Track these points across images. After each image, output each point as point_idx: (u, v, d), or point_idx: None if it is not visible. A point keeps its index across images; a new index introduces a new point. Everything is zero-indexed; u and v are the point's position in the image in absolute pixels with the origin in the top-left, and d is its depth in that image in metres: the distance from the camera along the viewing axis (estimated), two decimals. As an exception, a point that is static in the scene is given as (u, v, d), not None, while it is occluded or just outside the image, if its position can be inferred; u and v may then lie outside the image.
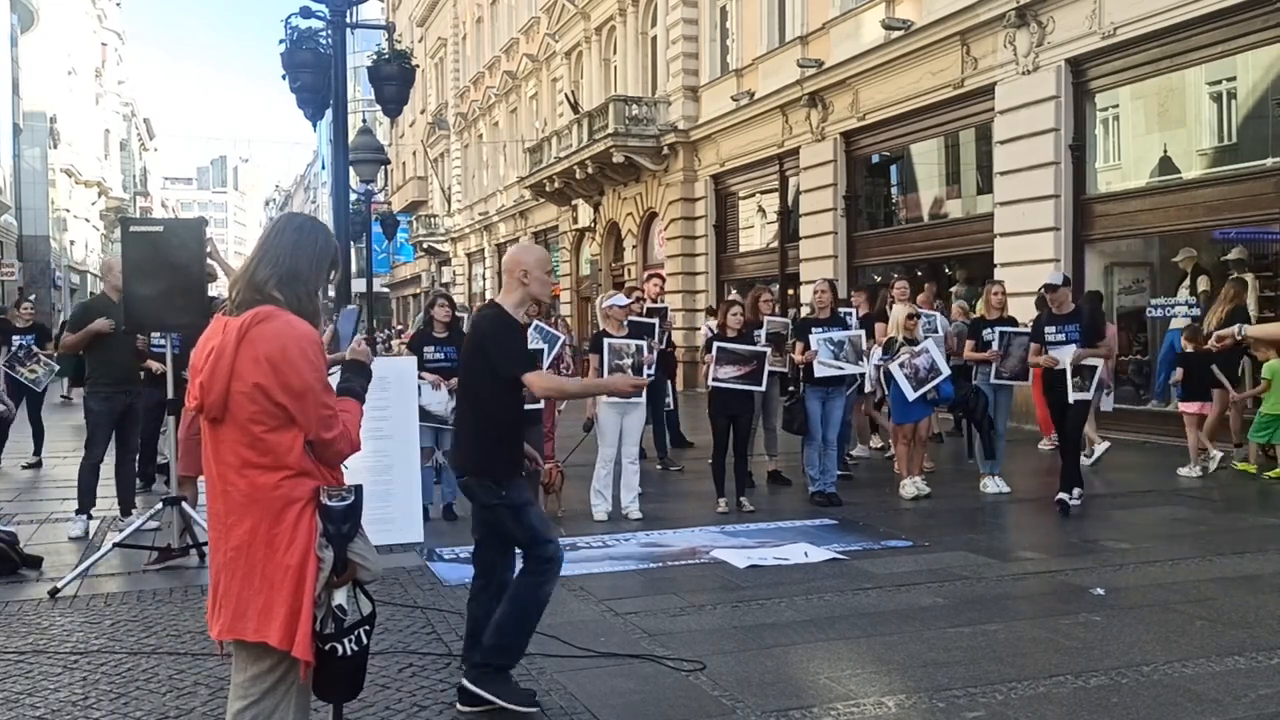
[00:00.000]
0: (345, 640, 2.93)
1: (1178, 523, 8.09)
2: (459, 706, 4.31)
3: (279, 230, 3.08)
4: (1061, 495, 8.42)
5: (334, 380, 3.10)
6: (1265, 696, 4.35)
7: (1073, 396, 8.43)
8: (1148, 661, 4.81)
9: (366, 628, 3.00)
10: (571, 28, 30.59)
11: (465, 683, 4.30)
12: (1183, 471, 10.19)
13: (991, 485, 9.44)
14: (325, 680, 2.96)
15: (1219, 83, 12.83)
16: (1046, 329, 8.68)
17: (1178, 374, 10.58)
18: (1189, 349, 10.50)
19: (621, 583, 6.57)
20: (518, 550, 4.46)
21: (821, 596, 6.11)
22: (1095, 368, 8.48)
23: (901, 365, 9.10)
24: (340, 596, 2.95)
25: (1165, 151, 13.53)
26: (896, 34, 16.70)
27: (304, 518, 2.86)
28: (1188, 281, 13.02)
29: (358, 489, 2.95)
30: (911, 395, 9.06)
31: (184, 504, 6.86)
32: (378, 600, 5.88)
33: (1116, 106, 14.11)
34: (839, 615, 5.73)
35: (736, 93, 21.93)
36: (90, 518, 8.01)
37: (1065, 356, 8.45)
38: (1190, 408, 10.43)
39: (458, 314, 9.32)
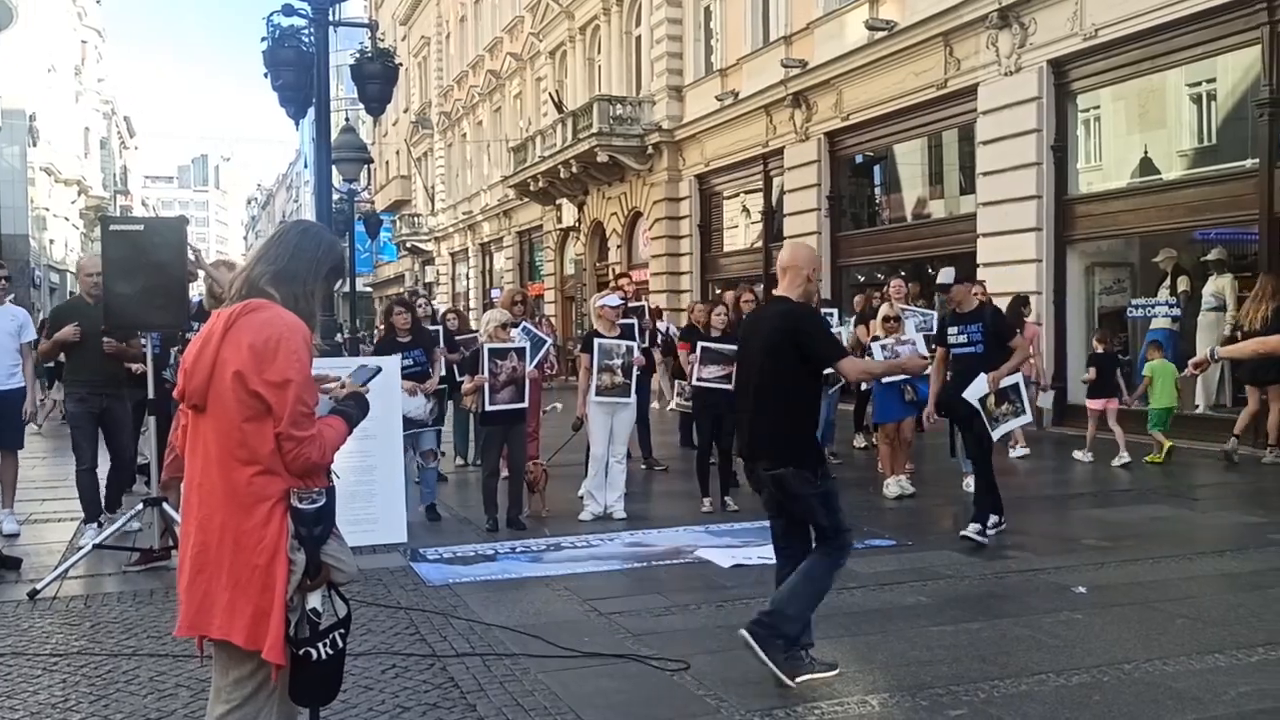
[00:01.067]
0: (320, 644, 2.90)
1: (1158, 521, 8.14)
2: (744, 634, 4.52)
3: (284, 231, 3.09)
4: (969, 531, 7.30)
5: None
6: (1245, 694, 4.38)
7: (997, 432, 7.62)
8: (1129, 659, 4.84)
9: (342, 631, 2.97)
10: (555, 27, 30.56)
11: (746, 634, 4.52)
12: (1115, 462, 10.67)
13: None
14: (300, 685, 2.93)
15: (1199, 84, 12.91)
16: (949, 330, 7.96)
17: (1090, 373, 11.19)
18: (1099, 349, 11.17)
19: (606, 582, 6.57)
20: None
21: (805, 596, 6.11)
22: (1017, 385, 7.63)
23: (884, 348, 9.16)
24: (315, 600, 2.92)
25: (1146, 152, 13.61)
26: (880, 34, 16.75)
27: (274, 517, 2.81)
28: (1168, 282, 13.11)
29: (329, 490, 2.91)
30: (886, 380, 9.14)
31: (165, 505, 6.82)
32: (361, 601, 5.90)
33: (1098, 107, 14.18)
34: (822, 614, 5.70)
35: (721, 92, 21.94)
36: (101, 525, 7.65)
37: (976, 392, 7.47)
38: (1096, 404, 11.15)
39: (420, 317, 9.30)
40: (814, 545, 4.68)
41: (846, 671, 4.79)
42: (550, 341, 10.52)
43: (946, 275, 8.19)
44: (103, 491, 7.95)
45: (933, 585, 6.28)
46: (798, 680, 4.50)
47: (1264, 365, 10.12)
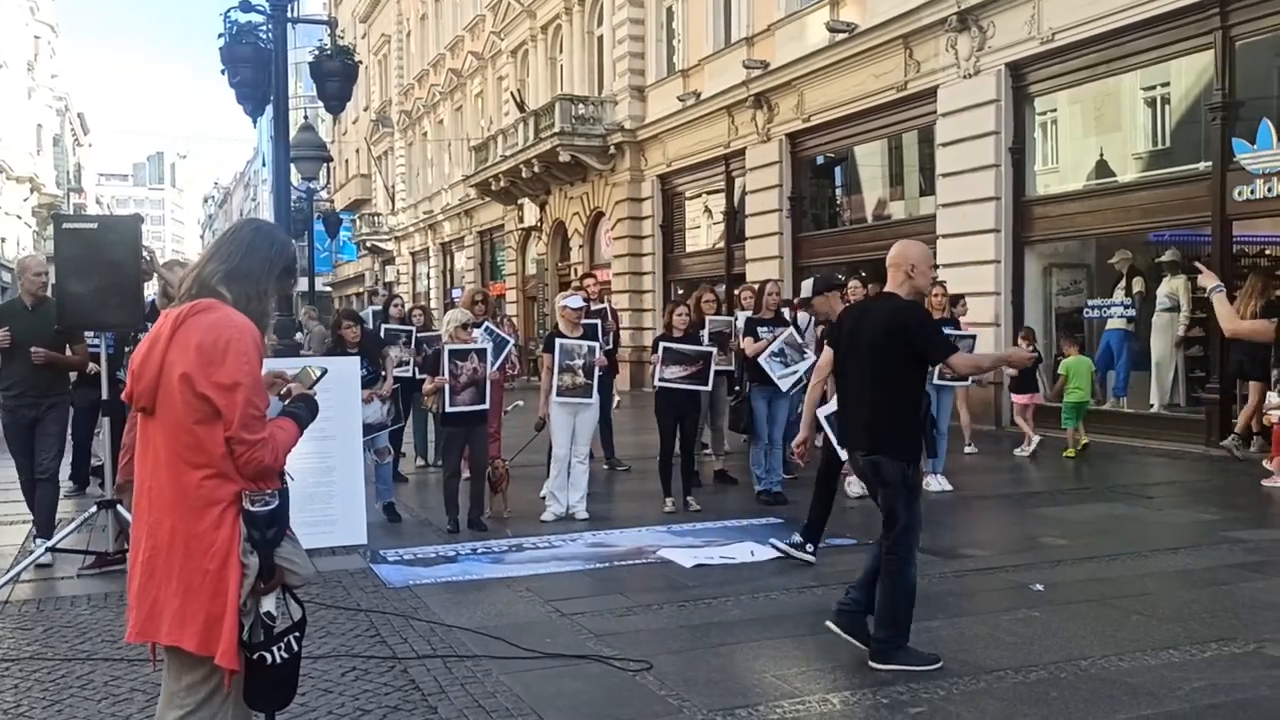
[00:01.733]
0: (275, 648, 2.87)
1: (1114, 519, 8.24)
2: (874, 664, 4.72)
3: (236, 229, 3.04)
4: (787, 545, 7.01)
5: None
6: (1199, 689, 4.44)
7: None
8: (1085, 656, 4.89)
9: (297, 634, 2.93)
10: (517, 26, 30.47)
11: (875, 665, 4.72)
12: (1017, 452, 11.60)
13: (934, 484, 9.54)
14: (256, 689, 2.89)
15: (1153, 88, 13.10)
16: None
17: (1013, 370, 11.75)
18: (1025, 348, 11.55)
19: (568, 583, 6.55)
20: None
21: (767, 595, 6.14)
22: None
23: None
24: (269, 603, 2.88)
25: (1102, 155, 13.78)
26: (841, 36, 16.84)
27: (225, 521, 2.77)
28: (1123, 283, 13.30)
29: (283, 493, 2.88)
30: None
31: (119, 507, 6.71)
32: (320, 603, 5.85)
33: (1055, 110, 14.35)
34: (785, 614, 5.76)
35: (683, 93, 21.98)
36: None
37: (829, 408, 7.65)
38: (1021, 399, 11.98)
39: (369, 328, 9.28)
40: (877, 550, 4.93)
41: (808, 670, 4.81)
42: (512, 342, 10.48)
43: (807, 289, 8.22)
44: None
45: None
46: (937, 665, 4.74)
47: (1251, 361, 10.27)
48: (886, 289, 5.00)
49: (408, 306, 11.99)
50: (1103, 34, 12.68)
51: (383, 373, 8.75)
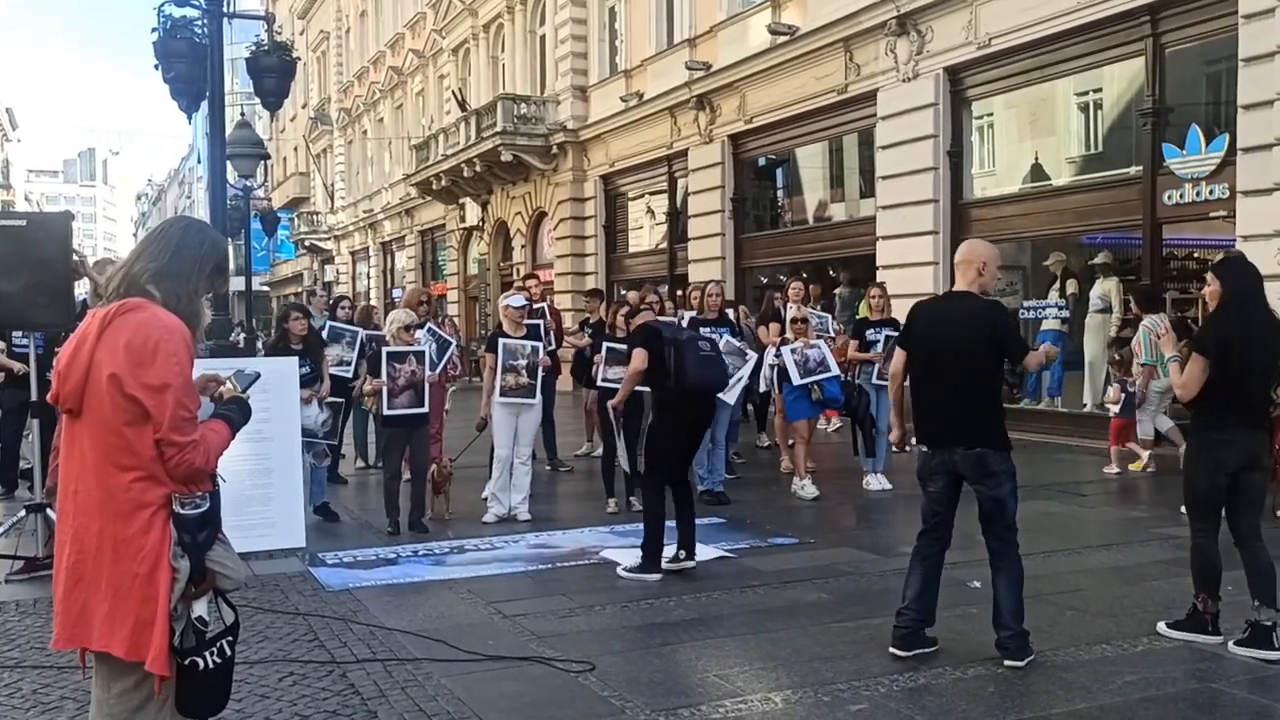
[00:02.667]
0: (207, 653, 2.81)
1: (1049, 517, 8.38)
2: (1016, 664, 4.75)
3: (165, 227, 2.98)
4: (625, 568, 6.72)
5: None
6: (1130, 683, 4.54)
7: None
8: (1022, 651, 4.96)
9: (230, 639, 2.88)
10: (459, 24, 30.27)
11: (1017, 664, 4.74)
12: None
13: (874, 482, 9.65)
14: (188, 695, 2.84)
15: (1086, 94, 13.35)
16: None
17: None
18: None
19: (510, 585, 6.52)
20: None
21: (710, 595, 6.16)
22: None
23: (794, 351, 9.29)
24: (200, 608, 2.82)
25: (1037, 159, 14.02)
26: (782, 39, 16.95)
27: (155, 524, 2.72)
28: (1057, 284, 13.55)
29: (214, 495, 2.83)
30: (796, 380, 9.25)
31: (49, 511, 6.55)
32: (257, 607, 5.77)
33: (991, 114, 14.57)
34: (727, 613, 5.79)
35: (625, 93, 21.98)
36: None
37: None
38: None
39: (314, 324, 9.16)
40: (995, 547, 4.96)
41: (750, 669, 4.84)
42: (455, 344, 10.42)
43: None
44: None
45: (834, 582, 6.38)
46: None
47: None
48: (958, 288, 5.12)
49: (361, 304, 11.85)
50: (1038, 40, 12.90)
51: (321, 373, 8.66)
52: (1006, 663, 4.78)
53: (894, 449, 5.48)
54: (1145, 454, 10.17)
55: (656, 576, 6.52)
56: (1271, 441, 5.02)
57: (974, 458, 4.91)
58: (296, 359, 8.20)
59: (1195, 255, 13.16)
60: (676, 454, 6.86)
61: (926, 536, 5.11)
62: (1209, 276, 5.12)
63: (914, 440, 5.24)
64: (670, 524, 6.71)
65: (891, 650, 4.94)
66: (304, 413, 8.23)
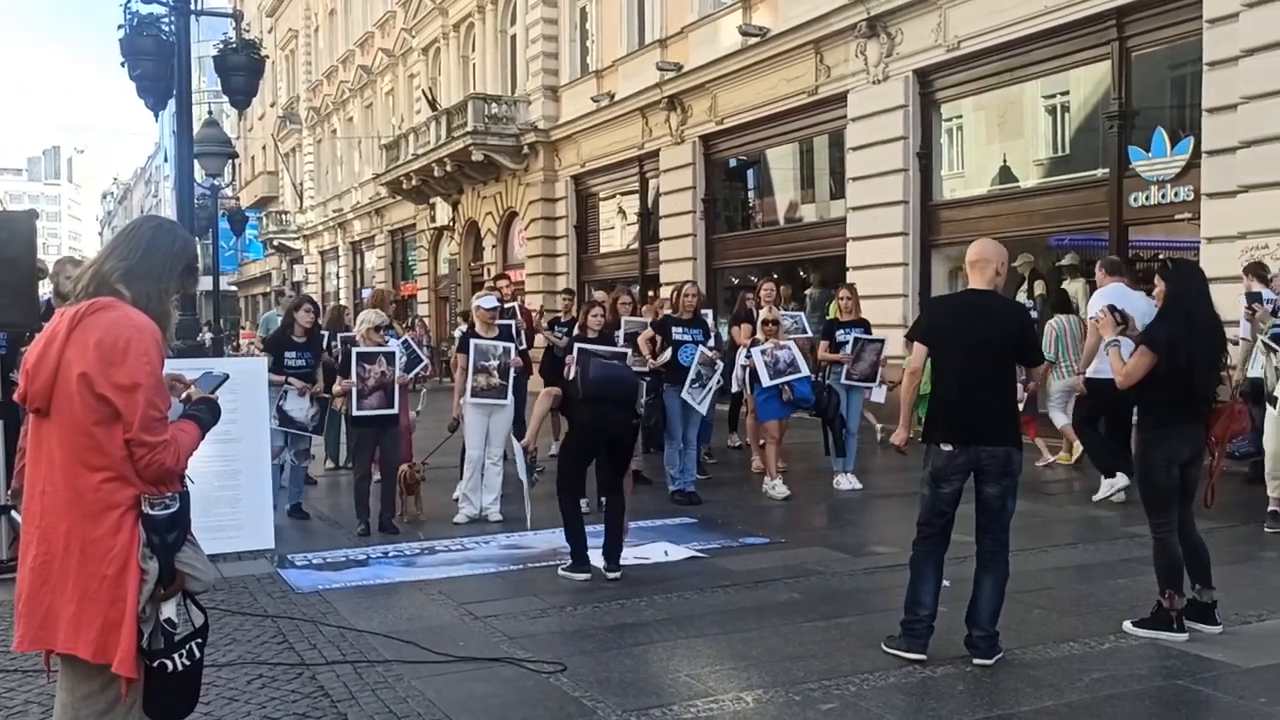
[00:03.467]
0: (176, 655, 2.78)
1: (1017, 516, 8.38)
2: (986, 662, 4.81)
3: (135, 226, 2.95)
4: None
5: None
6: (1097, 680, 4.58)
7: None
8: (991, 650, 5.00)
9: (199, 640, 2.86)
10: (429, 24, 30.14)
11: (986, 662, 4.80)
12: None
13: (845, 482, 9.69)
14: (156, 698, 2.80)
15: (1054, 96, 13.48)
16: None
17: None
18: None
19: (481, 586, 6.50)
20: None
21: (681, 595, 6.17)
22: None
23: (764, 352, 9.32)
24: (169, 609, 2.79)
25: (1005, 161, 14.14)
26: (753, 40, 17.00)
27: (124, 525, 2.69)
28: (1025, 285, 13.66)
29: (184, 495, 2.80)
30: (766, 382, 9.28)
31: (14, 513, 6.46)
32: (225, 610, 5.72)
33: (960, 117, 14.68)
34: (698, 613, 5.79)
35: (597, 94, 21.97)
36: None
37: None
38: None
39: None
40: (991, 548, 5.05)
41: (722, 669, 4.85)
42: (425, 362, 10.49)
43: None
44: None
45: (805, 582, 6.41)
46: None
47: None
48: (978, 286, 5.07)
49: (331, 305, 11.83)
50: (1006, 43, 13.01)
51: (315, 372, 8.66)
52: (975, 661, 4.82)
53: (900, 451, 5.43)
54: (1077, 445, 10.30)
55: (584, 576, 6.51)
56: (1207, 435, 5.22)
57: (1003, 456, 4.93)
58: (265, 360, 8.17)
59: (1161, 256, 13.30)
60: (572, 471, 6.77)
61: (934, 539, 5.07)
62: (1156, 279, 5.38)
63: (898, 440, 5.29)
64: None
65: (916, 656, 4.85)
66: (296, 405, 8.22)
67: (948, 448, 4.93)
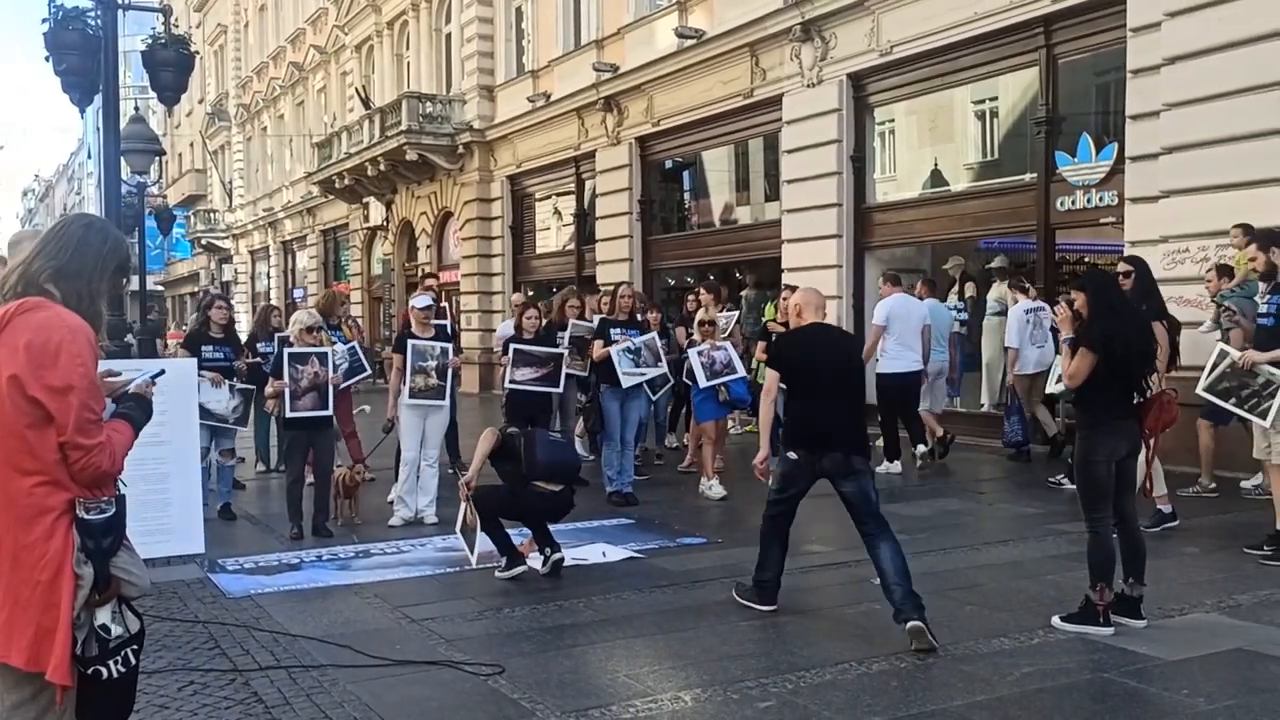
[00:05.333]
0: (111, 662, 2.71)
1: (948, 514, 8.59)
2: (913, 624, 5.05)
3: (64, 225, 2.87)
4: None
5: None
6: (1028, 674, 4.68)
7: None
8: (924, 646, 5.08)
9: (135, 647, 2.79)
10: (362, 21, 29.81)
11: (919, 623, 5.03)
12: None
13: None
14: (90, 706, 2.74)
15: (984, 102, 13.73)
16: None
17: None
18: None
19: (417, 588, 6.45)
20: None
21: (619, 595, 6.18)
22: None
23: (700, 354, 9.36)
24: (104, 615, 2.72)
25: (936, 165, 14.36)
26: (689, 43, 17.07)
27: (57, 530, 2.62)
28: (956, 287, 13.90)
29: (120, 499, 2.74)
30: (703, 383, 9.32)
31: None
32: (155, 616, 5.61)
33: (893, 121, 14.88)
34: (636, 613, 5.81)
35: (533, 94, 21.91)
36: None
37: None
38: None
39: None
40: (873, 528, 5.42)
41: (660, 668, 4.86)
42: (368, 371, 10.41)
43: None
44: None
45: (742, 581, 6.43)
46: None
47: None
48: (814, 320, 5.81)
49: (261, 305, 11.72)
50: (937, 49, 13.21)
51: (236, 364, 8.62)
52: (910, 624, 4.98)
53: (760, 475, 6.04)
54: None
55: (522, 569, 6.54)
56: (1141, 426, 5.37)
57: (861, 462, 5.54)
58: (194, 360, 8.05)
59: (1087, 260, 13.62)
60: (495, 514, 6.65)
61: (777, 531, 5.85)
62: (1074, 293, 5.49)
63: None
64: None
65: (767, 608, 5.64)
66: (215, 396, 8.12)
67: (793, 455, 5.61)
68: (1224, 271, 8.84)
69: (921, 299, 11.45)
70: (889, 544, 5.28)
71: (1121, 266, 7.43)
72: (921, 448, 10.71)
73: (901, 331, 10.44)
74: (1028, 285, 11.28)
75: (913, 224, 14.24)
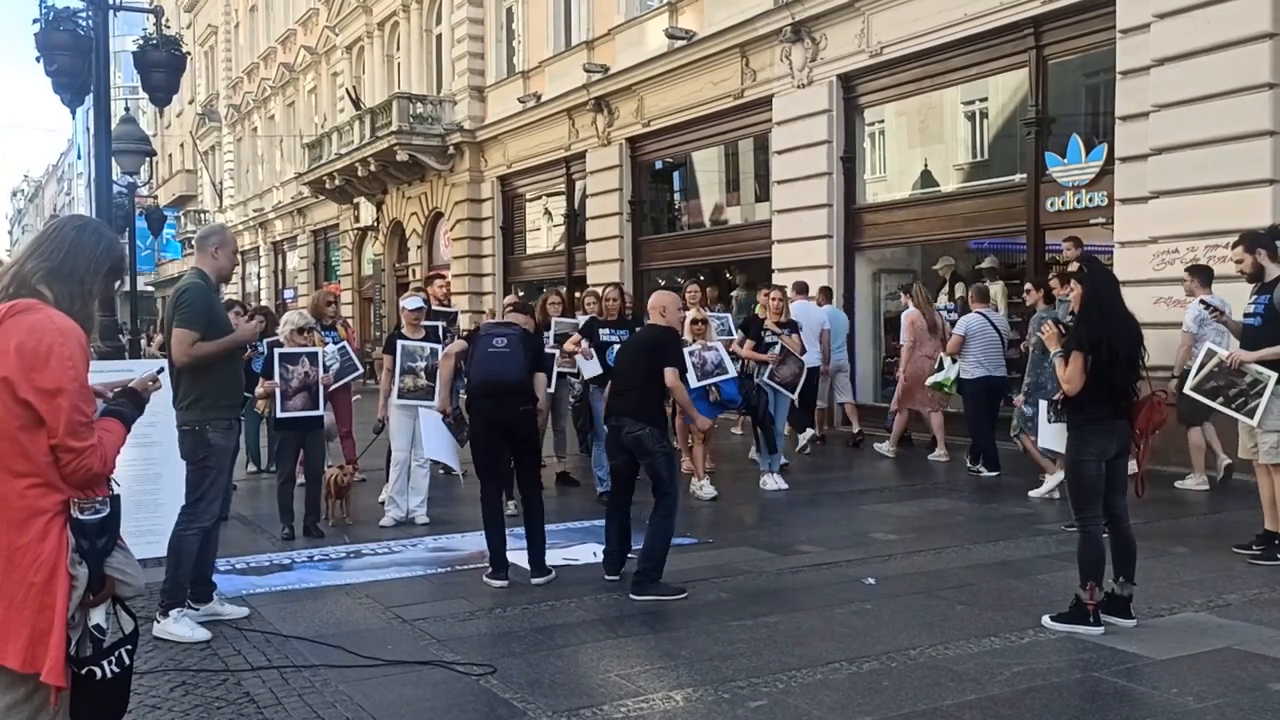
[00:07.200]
0: (105, 662, 2.72)
1: (939, 514, 8.62)
2: (633, 596, 6.01)
3: (58, 226, 2.87)
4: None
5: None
6: (1018, 674, 4.70)
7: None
8: (914, 645, 5.10)
9: (129, 647, 2.80)
10: (352, 21, 29.76)
11: (633, 596, 6.02)
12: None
13: (771, 482, 9.78)
14: (84, 706, 2.74)
15: (973, 102, 13.77)
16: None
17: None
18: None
19: (409, 589, 6.45)
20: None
21: (610, 595, 6.18)
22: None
23: (691, 354, 9.36)
24: (98, 615, 2.73)
25: (926, 165, 14.40)
26: (679, 44, 17.09)
27: (51, 531, 2.62)
28: (946, 288, 13.93)
29: (114, 499, 2.75)
30: (694, 382, 9.31)
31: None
32: (147, 617, 5.59)
33: (883, 121, 14.91)
34: (627, 613, 5.81)
35: (523, 94, 21.90)
36: None
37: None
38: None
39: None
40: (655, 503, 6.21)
41: (652, 668, 4.87)
42: (359, 370, 10.37)
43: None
44: None
45: (733, 581, 6.46)
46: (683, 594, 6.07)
47: None
48: (654, 322, 6.64)
49: (253, 306, 11.68)
50: (927, 50, 13.25)
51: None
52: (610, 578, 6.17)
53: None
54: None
55: (501, 583, 6.42)
56: (1132, 426, 5.40)
57: (632, 438, 6.45)
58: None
59: (1061, 260, 13.65)
60: (482, 460, 6.73)
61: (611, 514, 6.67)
62: (1072, 283, 5.57)
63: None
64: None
65: (611, 578, 6.37)
66: None
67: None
68: (1199, 272, 8.88)
69: (819, 305, 12.90)
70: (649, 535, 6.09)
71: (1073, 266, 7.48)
72: (811, 432, 12.08)
73: (804, 333, 10.88)
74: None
75: (903, 224, 14.28)
